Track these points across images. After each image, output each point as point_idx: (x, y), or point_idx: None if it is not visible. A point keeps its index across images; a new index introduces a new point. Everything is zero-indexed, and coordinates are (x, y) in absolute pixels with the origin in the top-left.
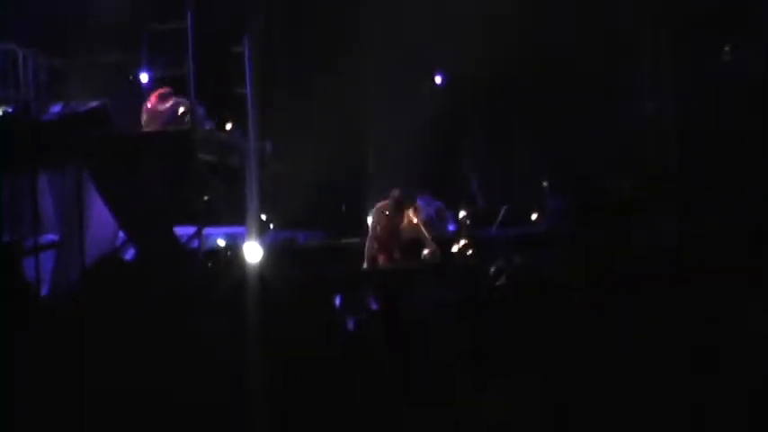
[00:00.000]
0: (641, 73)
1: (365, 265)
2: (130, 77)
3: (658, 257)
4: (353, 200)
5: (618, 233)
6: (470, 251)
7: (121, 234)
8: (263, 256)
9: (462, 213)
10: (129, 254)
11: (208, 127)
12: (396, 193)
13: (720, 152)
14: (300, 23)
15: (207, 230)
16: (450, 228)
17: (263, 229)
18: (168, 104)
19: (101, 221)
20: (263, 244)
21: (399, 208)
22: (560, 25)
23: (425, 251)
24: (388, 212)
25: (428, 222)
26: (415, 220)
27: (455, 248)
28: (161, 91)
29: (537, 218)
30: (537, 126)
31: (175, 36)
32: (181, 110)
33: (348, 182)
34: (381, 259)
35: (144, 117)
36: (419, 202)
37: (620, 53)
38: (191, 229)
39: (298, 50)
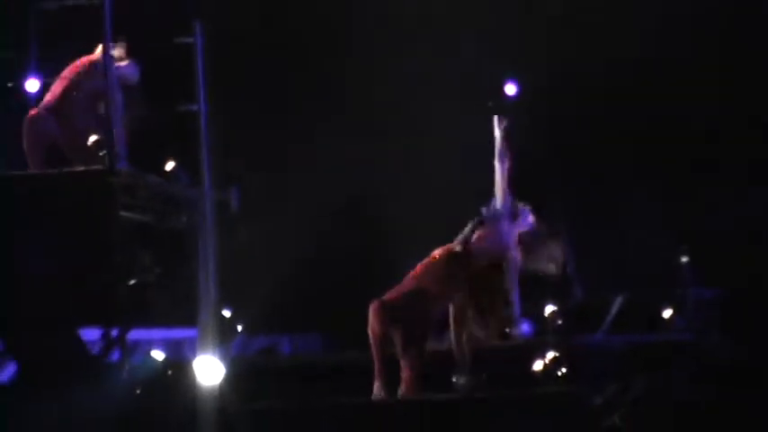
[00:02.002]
0: None
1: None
2: (10, 85)
3: None
4: (368, 285)
5: None
6: (563, 370)
7: None
8: (226, 378)
9: (550, 308)
10: (5, 374)
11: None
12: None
13: None
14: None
15: (134, 335)
16: (525, 328)
17: (225, 334)
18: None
19: None
20: (224, 357)
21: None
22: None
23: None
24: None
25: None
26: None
27: (539, 365)
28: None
29: (671, 316)
30: (669, 165)
31: (82, 21)
32: (92, 138)
33: (361, 256)
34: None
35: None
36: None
37: None
38: (108, 333)
39: (279, 42)
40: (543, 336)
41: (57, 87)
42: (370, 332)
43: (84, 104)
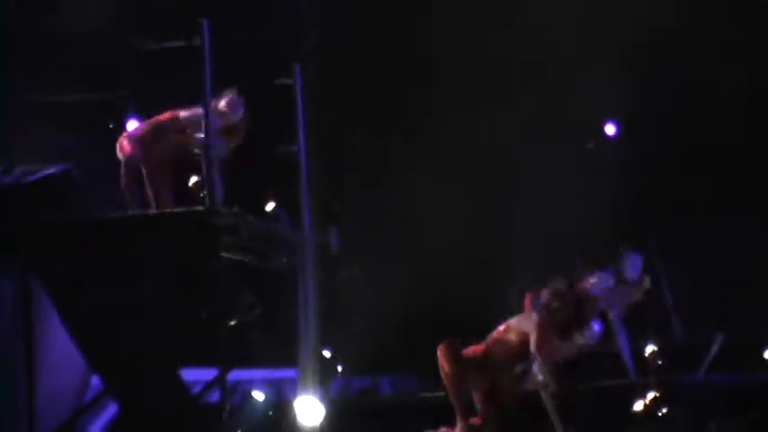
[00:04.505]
0: None
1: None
2: (112, 126)
3: None
4: (465, 324)
5: None
6: (664, 410)
7: (94, 381)
8: (327, 418)
9: (650, 348)
10: (106, 415)
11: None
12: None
13: None
14: (387, 38)
15: (235, 375)
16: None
17: (326, 374)
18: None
19: (60, 361)
20: (325, 398)
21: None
22: None
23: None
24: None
25: None
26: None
27: (639, 405)
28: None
29: None
30: None
31: (183, 60)
32: (193, 179)
33: (462, 296)
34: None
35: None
36: None
37: None
38: (208, 373)
39: (382, 82)
40: (645, 376)
41: (152, 120)
42: (442, 375)
43: (171, 142)
